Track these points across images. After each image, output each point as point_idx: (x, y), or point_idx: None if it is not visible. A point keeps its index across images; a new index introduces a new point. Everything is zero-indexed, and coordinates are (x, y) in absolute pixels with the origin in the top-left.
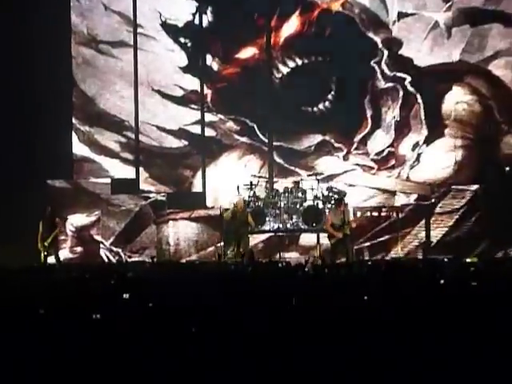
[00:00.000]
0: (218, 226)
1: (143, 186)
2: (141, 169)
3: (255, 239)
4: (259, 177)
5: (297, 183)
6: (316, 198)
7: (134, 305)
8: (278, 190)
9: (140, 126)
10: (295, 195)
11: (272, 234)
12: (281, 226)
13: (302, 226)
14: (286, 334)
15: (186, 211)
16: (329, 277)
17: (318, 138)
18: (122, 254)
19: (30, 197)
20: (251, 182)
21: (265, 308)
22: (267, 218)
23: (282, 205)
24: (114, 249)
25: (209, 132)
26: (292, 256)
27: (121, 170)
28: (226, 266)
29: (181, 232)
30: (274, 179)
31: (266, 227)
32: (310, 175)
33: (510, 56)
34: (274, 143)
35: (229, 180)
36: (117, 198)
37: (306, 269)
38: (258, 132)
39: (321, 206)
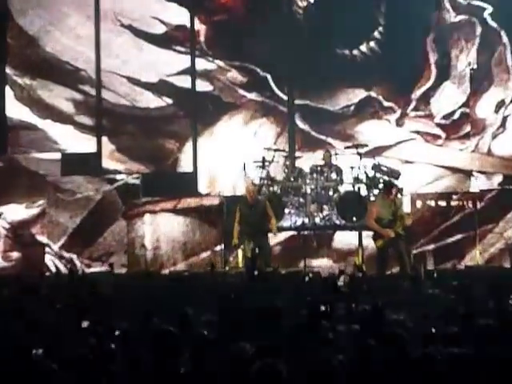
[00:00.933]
0: (216, 221)
1: (108, 163)
2: (104, 139)
3: (270, 240)
4: (275, 150)
5: (329, 159)
6: (357, 180)
7: (94, 339)
8: (301, 170)
9: (103, 78)
10: (327, 177)
11: (294, 232)
12: (306, 220)
13: (337, 222)
14: None
15: (170, 200)
16: (372, 297)
17: (360, 93)
18: (76, 262)
19: None
20: (264, 158)
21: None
22: (287, 210)
23: (309, 190)
24: (66, 254)
25: (202, 86)
26: (322, 264)
27: (76, 142)
28: (226, 280)
29: (162, 230)
30: (297, 153)
31: (286, 223)
32: (348, 147)
33: None
34: (297, 101)
35: (231, 155)
36: (70, 180)
37: (340, 283)
38: (274, 85)
39: (364, 192)
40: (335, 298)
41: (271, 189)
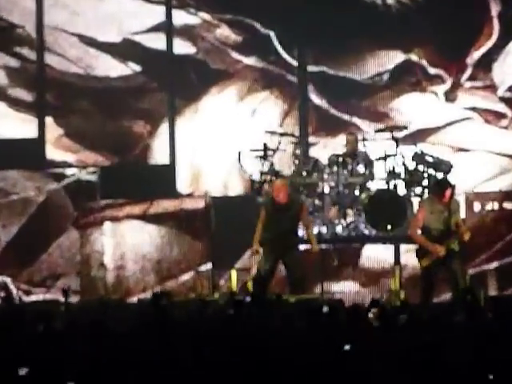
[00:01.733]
0: (201, 230)
1: (53, 153)
2: (48, 120)
3: None
4: (281, 134)
5: (354, 147)
6: (392, 175)
7: None
8: (317, 161)
9: (47, 37)
10: (351, 170)
11: (307, 245)
12: (324, 230)
13: (366, 231)
14: None
15: (139, 203)
16: (414, 335)
17: (396, 57)
18: (11, 288)
19: None
20: (266, 146)
21: None
22: None
23: (327, 189)
24: None
25: (182, 47)
26: (346, 289)
27: (9, 124)
28: (215, 312)
29: (128, 243)
30: (311, 139)
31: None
32: (379, 131)
33: None
34: (310, 68)
35: (221, 141)
36: (1, 177)
37: (371, 315)
38: (279, 46)
39: (402, 190)
40: (363, 335)
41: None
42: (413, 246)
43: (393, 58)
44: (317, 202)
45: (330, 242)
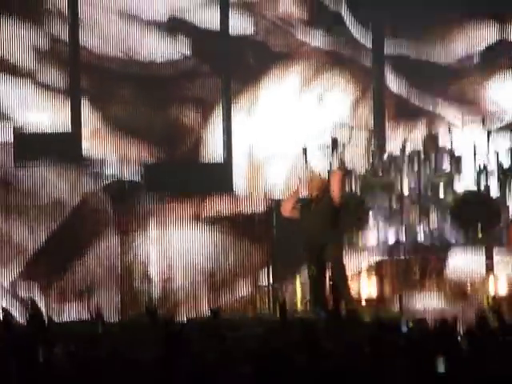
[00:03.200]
0: (262, 236)
1: (90, 148)
2: (85, 111)
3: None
4: (352, 127)
5: (437, 141)
6: (484, 173)
7: None
8: (395, 158)
9: (82, 14)
10: (435, 168)
11: (382, 255)
12: (403, 237)
13: (452, 239)
14: None
15: (189, 205)
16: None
17: (491, 33)
18: (39, 305)
19: None
20: (335, 140)
21: None
22: (372, 221)
23: (406, 190)
24: (22, 291)
25: (239, 26)
26: (429, 305)
27: (38, 113)
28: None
29: (176, 250)
30: (387, 131)
31: (370, 240)
32: (468, 122)
33: None
34: (387, 50)
35: (284, 134)
36: (29, 175)
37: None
38: (351, 25)
39: (495, 192)
40: (453, 358)
41: (347, 187)
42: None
43: (485, 37)
44: (394, 205)
45: (410, 251)
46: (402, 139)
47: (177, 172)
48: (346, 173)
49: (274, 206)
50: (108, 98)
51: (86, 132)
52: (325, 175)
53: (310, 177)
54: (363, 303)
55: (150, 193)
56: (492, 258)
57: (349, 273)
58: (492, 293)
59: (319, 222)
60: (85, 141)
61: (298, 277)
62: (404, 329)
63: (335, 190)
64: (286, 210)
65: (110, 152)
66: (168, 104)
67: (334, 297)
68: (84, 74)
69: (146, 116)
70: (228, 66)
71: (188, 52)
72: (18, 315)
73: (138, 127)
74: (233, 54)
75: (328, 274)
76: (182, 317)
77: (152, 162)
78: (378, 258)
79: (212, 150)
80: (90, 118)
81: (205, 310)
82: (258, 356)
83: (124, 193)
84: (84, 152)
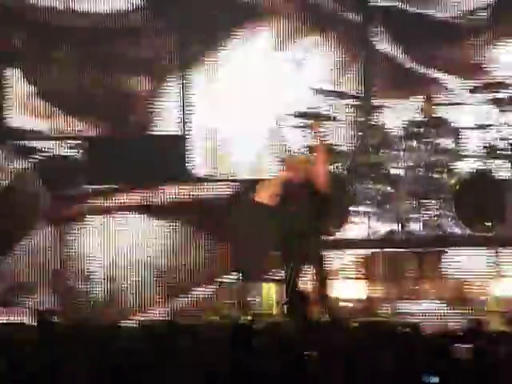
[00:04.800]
0: (226, 228)
1: (18, 119)
2: (12, 73)
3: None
4: (336, 93)
5: (433, 110)
6: (492, 152)
7: None
8: (387, 132)
9: None
10: (434, 145)
11: (372, 248)
12: (396, 227)
13: (455, 230)
14: None
15: (138, 189)
16: None
17: None
18: None
19: None
20: (316, 112)
21: None
22: (359, 208)
23: (400, 171)
24: None
25: None
26: (426, 309)
27: None
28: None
29: (124, 245)
30: (377, 100)
31: (356, 231)
32: (473, 91)
33: None
34: (376, 2)
35: (253, 103)
36: None
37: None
38: None
39: (506, 174)
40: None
41: (331, 167)
42: None
43: None
44: (387, 189)
45: (404, 244)
46: (395, 110)
47: (122, 148)
48: (330, 150)
49: (242, 190)
50: (41, 58)
51: (12, 98)
52: (306, 155)
53: (287, 157)
54: (348, 306)
55: (91, 173)
56: (500, 253)
57: (332, 270)
58: (499, 293)
59: (300, 212)
60: (11, 109)
61: (271, 275)
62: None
63: (320, 172)
64: (263, 197)
65: (42, 123)
66: (114, 66)
67: (317, 299)
68: (10, 28)
69: (88, 80)
70: (186, 20)
71: (139, 1)
72: None
73: (77, 94)
74: (192, 7)
75: (310, 272)
76: (130, 322)
77: (93, 137)
78: (366, 253)
79: (166, 122)
80: (18, 81)
81: (156, 314)
82: (216, 371)
83: (59, 173)
84: (9, 122)
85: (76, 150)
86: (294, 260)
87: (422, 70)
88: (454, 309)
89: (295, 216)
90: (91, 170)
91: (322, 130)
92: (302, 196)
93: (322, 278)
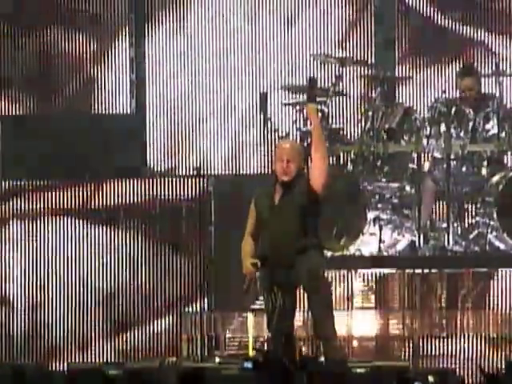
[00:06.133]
0: (192, 236)
1: None
2: None
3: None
4: (343, 61)
5: (477, 87)
6: None
7: None
8: (409, 111)
9: None
10: (473, 130)
11: (389, 269)
12: (421, 240)
13: (501, 245)
14: None
15: (74, 187)
16: None
17: None
18: None
19: None
20: (312, 82)
21: None
22: (370, 214)
23: (426, 164)
24: None
25: None
26: (460, 349)
27: None
28: None
29: (54, 259)
30: (398, 70)
31: (369, 246)
32: None
33: None
34: None
35: (228, 76)
36: None
37: None
38: None
39: None
40: None
41: (332, 158)
42: None
43: None
44: (407, 188)
45: (432, 262)
46: (420, 84)
47: (55, 130)
48: (333, 136)
49: (213, 187)
50: None
51: None
52: (298, 141)
53: (288, 142)
54: (355, 345)
55: (10, 166)
56: None
57: (335, 299)
58: None
59: (289, 221)
60: None
61: (250, 304)
62: None
63: (316, 165)
64: (250, 270)
65: None
66: (47, 24)
67: (313, 337)
68: None
69: (12, 42)
70: None
71: None
72: None
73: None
74: None
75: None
76: (61, 365)
77: (15, 114)
78: (379, 273)
79: (113, 97)
80: None
81: (96, 354)
82: None
83: None
84: None
85: None
86: (279, 284)
87: (459, 28)
88: (498, 349)
89: (280, 225)
90: (10, 161)
91: (319, 114)
92: (288, 198)
93: (321, 309)
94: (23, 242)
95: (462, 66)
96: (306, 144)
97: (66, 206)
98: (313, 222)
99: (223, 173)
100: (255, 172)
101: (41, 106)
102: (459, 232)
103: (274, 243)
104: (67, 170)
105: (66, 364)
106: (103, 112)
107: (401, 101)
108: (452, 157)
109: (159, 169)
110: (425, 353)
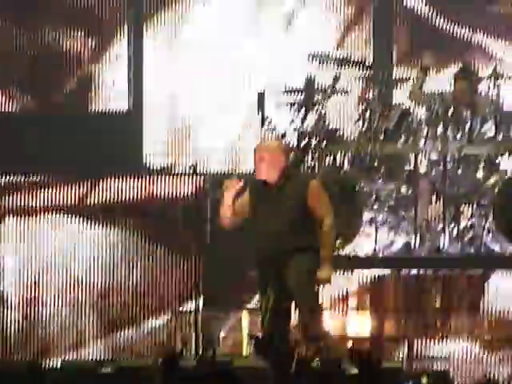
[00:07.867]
0: (187, 235)
1: None
2: None
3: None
4: (340, 62)
5: (473, 87)
6: None
7: None
8: (406, 113)
9: None
10: (471, 131)
11: (385, 270)
12: (417, 242)
13: (496, 247)
14: None
15: (69, 184)
16: None
17: None
18: None
19: None
20: (309, 81)
21: None
22: (367, 215)
23: (423, 165)
24: None
25: None
26: (456, 351)
27: None
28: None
29: (47, 258)
30: (396, 72)
31: (365, 247)
32: None
33: None
34: None
35: (226, 74)
36: None
37: None
38: None
39: None
40: None
41: (329, 159)
42: None
43: None
44: (403, 189)
45: (427, 264)
46: (418, 84)
47: (50, 129)
48: (329, 135)
49: (209, 187)
50: None
51: None
52: (290, 140)
53: (264, 141)
54: (349, 346)
55: (3, 162)
56: None
57: (328, 300)
58: None
59: (281, 221)
60: None
61: (244, 304)
62: None
63: (316, 206)
64: (227, 222)
65: None
66: (42, 21)
67: (303, 338)
68: None
69: (8, 38)
70: None
71: None
72: None
73: None
74: None
75: (293, 303)
76: (55, 361)
77: (10, 113)
78: (374, 274)
79: (110, 97)
80: None
81: (90, 350)
82: None
83: None
84: None
85: None
86: (272, 282)
87: (459, 31)
88: (493, 352)
89: (271, 225)
90: (4, 157)
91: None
92: (279, 197)
93: (311, 308)
94: (18, 239)
95: (459, 67)
96: (302, 144)
97: (61, 204)
98: (307, 222)
99: (220, 171)
100: (252, 171)
101: (37, 104)
102: (455, 233)
103: (266, 242)
104: (63, 168)
105: (59, 361)
106: (100, 110)
107: (398, 102)
108: (448, 158)
109: (156, 167)
110: (419, 354)
